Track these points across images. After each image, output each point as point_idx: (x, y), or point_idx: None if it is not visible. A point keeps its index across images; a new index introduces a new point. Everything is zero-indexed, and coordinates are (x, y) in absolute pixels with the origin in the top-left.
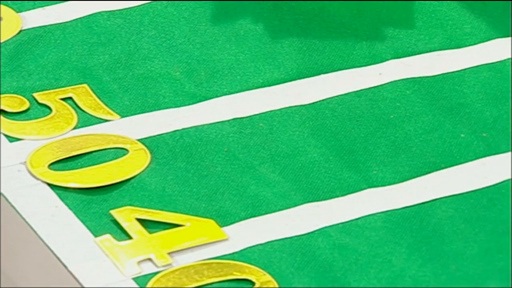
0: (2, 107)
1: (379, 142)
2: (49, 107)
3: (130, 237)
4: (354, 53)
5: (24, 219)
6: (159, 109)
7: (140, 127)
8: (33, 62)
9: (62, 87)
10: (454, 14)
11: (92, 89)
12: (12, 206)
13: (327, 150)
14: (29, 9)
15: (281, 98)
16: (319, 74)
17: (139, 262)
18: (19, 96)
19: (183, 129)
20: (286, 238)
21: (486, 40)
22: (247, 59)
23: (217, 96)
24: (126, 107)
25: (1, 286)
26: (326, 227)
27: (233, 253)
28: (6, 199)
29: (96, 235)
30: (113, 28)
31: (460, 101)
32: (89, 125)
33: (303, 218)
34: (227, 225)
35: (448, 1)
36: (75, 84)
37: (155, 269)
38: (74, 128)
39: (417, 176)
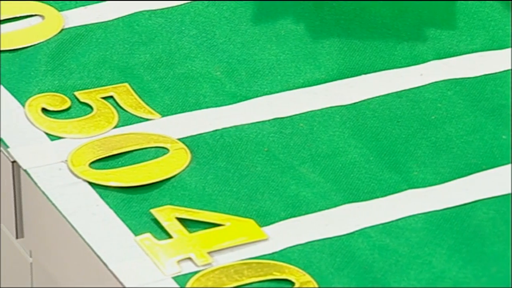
0: (44, 106)
1: (420, 143)
2: (90, 106)
3: (170, 236)
4: (395, 53)
5: (65, 217)
6: (200, 109)
7: (180, 127)
8: (74, 61)
9: (103, 86)
10: (496, 14)
11: (133, 88)
12: (53, 204)
13: (367, 151)
14: (71, 8)
15: (321, 98)
16: (360, 74)
17: (179, 261)
18: (60, 95)
19: (223, 128)
20: (326, 239)
21: None
22: (288, 59)
23: (257, 96)
24: (167, 106)
25: (42, 285)
26: (366, 227)
27: (273, 253)
28: (47, 197)
29: (136, 234)
30: (154, 27)
31: (502, 103)
32: (130, 124)
33: (343, 219)
34: (267, 225)
35: (491, 2)
36: (116, 83)
37: (195, 269)
38: (115, 127)
39: (458, 177)
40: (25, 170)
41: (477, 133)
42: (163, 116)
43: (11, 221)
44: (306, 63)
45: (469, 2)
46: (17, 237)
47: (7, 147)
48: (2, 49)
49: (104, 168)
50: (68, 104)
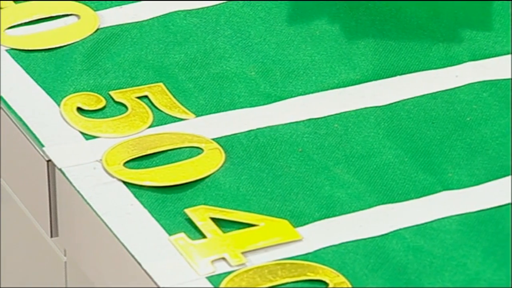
0: (79, 105)
1: (454, 145)
2: (125, 105)
3: (204, 236)
4: (430, 54)
5: (99, 216)
6: (234, 109)
7: (215, 127)
8: (109, 60)
9: (138, 85)
10: None
11: (167, 88)
12: (88, 203)
13: (402, 152)
14: (106, 8)
15: (356, 99)
16: (395, 75)
17: (213, 261)
18: (95, 94)
19: (258, 129)
20: (360, 240)
21: None
22: (323, 59)
23: (292, 96)
24: (201, 106)
25: (76, 285)
26: (400, 229)
27: (307, 254)
28: (82, 197)
29: (170, 233)
30: (189, 27)
31: None
32: (165, 123)
33: (377, 220)
34: (301, 225)
35: None
36: (151, 83)
37: (229, 269)
38: (150, 126)
39: (493, 179)
40: (60, 169)
41: None
42: (197, 116)
43: (45, 220)
44: (341, 63)
45: (506, 2)
46: (51, 236)
47: (42, 146)
48: (38, 48)
49: (139, 168)
50: (103, 103)
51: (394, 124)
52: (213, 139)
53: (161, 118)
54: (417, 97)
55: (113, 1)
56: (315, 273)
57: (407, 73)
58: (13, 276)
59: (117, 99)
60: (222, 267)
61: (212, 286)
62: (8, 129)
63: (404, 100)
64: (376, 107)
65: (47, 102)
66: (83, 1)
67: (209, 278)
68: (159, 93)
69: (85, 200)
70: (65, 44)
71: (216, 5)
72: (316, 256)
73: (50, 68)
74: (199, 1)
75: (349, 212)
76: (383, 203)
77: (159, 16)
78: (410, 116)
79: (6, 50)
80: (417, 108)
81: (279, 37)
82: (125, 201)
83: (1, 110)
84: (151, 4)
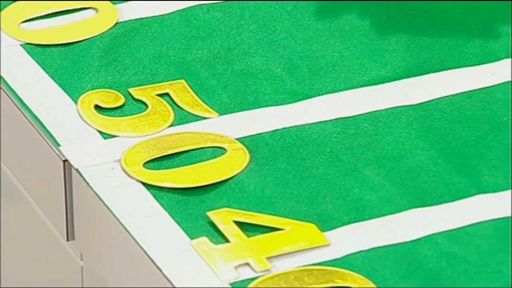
0: (97, 103)
1: (491, 146)
2: (145, 103)
3: (227, 240)
4: (465, 51)
5: (117, 219)
6: (259, 107)
7: (239, 126)
8: (129, 56)
9: (159, 82)
10: None
11: (189, 85)
12: (106, 205)
13: (435, 153)
14: (125, 1)
15: (387, 97)
16: (428, 73)
17: (237, 267)
18: (114, 91)
19: (284, 128)
20: (390, 245)
21: None
22: (352, 56)
23: (320, 95)
24: (225, 105)
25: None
26: (433, 234)
27: (335, 260)
28: (100, 198)
29: (192, 237)
30: (212, 21)
31: None
32: (186, 122)
33: (409, 224)
34: (329, 229)
35: None
36: (172, 80)
37: (253, 274)
38: (171, 125)
39: None
40: (76, 170)
41: None
42: (220, 114)
43: (61, 223)
44: (371, 60)
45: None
46: (67, 239)
47: (58, 145)
48: (54, 43)
49: (159, 169)
50: (122, 101)
51: (427, 124)
52: (237, 139)
53: (183, 117)
54: (451, 95)
55: None
56: (343, 280)
57: (441, 70)
58: (27, 281)
59: (136, 97)
60: (246, 273)
61: None
62: (23, 128)
63: (438, 98)
64: (408, 106)
65: (64, 99)
66: None
67: (233, 285)
68: (180, 90)
69: (103, 202)
70: (83, 38)
71: None
72: (345, 262)
73: (67, 64)
74: None
75: (379, 216)
76: (415, 207)
77: (181, 10)
78: (444, 115)
79: (21, 45)
80: (451, 107)
81: (306, 32)
82: (144, 203)
83: (16, 108)
84: None
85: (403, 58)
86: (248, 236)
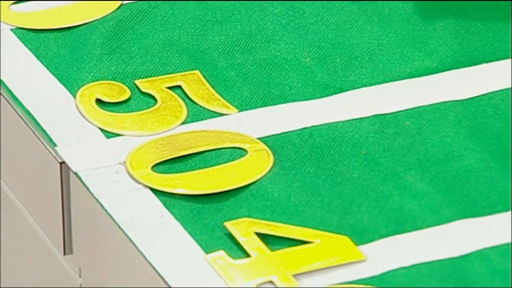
0: (99, 96)
1: None
2: (153, 97)
3: (247, 255)
4: None
5: (122, 230)
6: (285, 102)
7: (261, 123)
8: (135, 43)
9: (170, 73)
10: None
11: (205, 77)
12: (109, 214)
13: (487, 156)
14: None
15: (432, 91)
16: (480, 63)
17: (259, 285)
18: (118, 83)
19: (313, 126)
20: (436, 261)
21: None
22: (392, 43)
23: (354, 88)
24: (245, 99)
25: None
26: (484, 249)
27: (372, 277)
28: (102, 206)
29: (207, 251)
30: (231, 3)
31: None
32: (201, 119)
33: (456, 237)
34: (364, 243)
35: None
36: (185, 70)
37: None
38: (183, 123)
39: None
40: (75, 173)
41: None
42: (240, 110)
43: (58, 234)
44: (414, 48)
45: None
46: (64, 253)
47: (55, 145)
48: (49, 27)
49: (170, 172)
50: (127, 94)
51: (478, 122)
52: (259, 139)
53: (197, 113)
54: (507, 89)
55: None
56: None
57: (494, 60)
58: None
59: (144, 90)
60: None
61: None
62: (14, 125)
63: (491, 93)
64: (456, 101)
65: (61, 92)
66: None
67: None
68: (194, 83)
69: (106, 211)
70: (82, 22)
71: None
72: (383, 280)
73: (64, 52)
74: None
75: (423, 228)
76: (463, 217)
77: None
78: (498, 112)
79: (12, 30)
80: (505, 103)
81: (339, 16)
82: (153, 212)
83: (6, 102)
84: None
85: (451, 46)
86: (272, 250)
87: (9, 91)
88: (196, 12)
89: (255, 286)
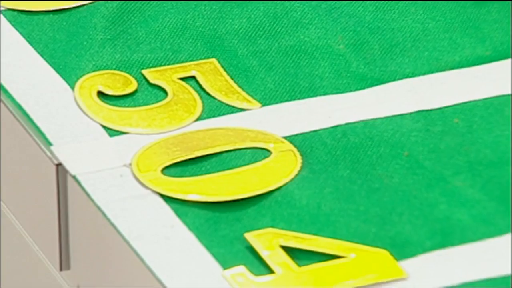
0: (101, 88)
1: None
2: (163, 90)
3: (271, 271)
4: None
5: (127, 242)
6: (315, 96)
7: (288, 120)
8: (143, 26)
9: (182, 62)
10: None
11: (222, 66)
12: (112, 224)
13: None
14: None
15: (485, 83)
16: None
17: None
18: (123, 73)
19: (347, 124)
20: (489, 279)
21: None
22: (439, 28)
23: (395, 79)
24: (269, 92)
25: None
26: None
27: None
28: (104, 215)
29: (225, 266)
30: None
31: None
32: (218, 115)
33: None
34: (406, 258)
35: None
36: (200, 59)
37: None
38: (198, 119)
39: None
40: (73, 177)
41: None
42: (264, 105)
43: (53, 247)
44: (464, 34)
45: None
46: (61, 269)
47: (50, 144)
48: (44, 9)
49: (182, 176)
50: (133, 86)
51: None
52: (285, 138)
53: (214, 108)
54: None
55: None
56: None
57: None
58: None
59: (152, 81)
60: None
61: None
62: (3, 122)
63: None
64: None
65: (57, 84)
66: None
67: None
68: (210, 73)
69: (108, 220)
70: (82, 4)
71: None
72: None
73: (61, 37)
74: None
75: (473, 241)
76: None
77: None
78: None
79: (1, 12)
80: None
81: None
82: (163, 222)
83: None
84: None
85: (507, 31)
86: (300, 266)
87: None
88: None
89: None
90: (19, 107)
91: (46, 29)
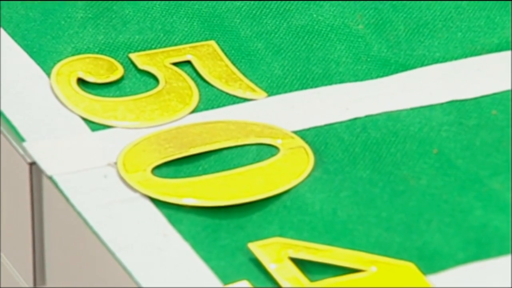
0: (81, 75)
1: None
2: (154, 76)
3: (279, 287)
4: None
5: (113, 254)
6: (330, 84)
7: (298, 112)
8: (130, 3)
9: (176, 44)
10: None
11: (222, 49)
12: (95, 233)
13: None
14: None
15: None
16: None
17: None
18: (107, 58)
19: (367, 116)
20: None
21: None
22: (474, 7)
23: (423, 65)
24: (277, 79)
25: None
26: None
27: None
28: (86, 222)
29: (225, 281)
30: None
31: None
32: (217, 106)
33: None
34: (435, 271)
35: None
36: (196, 41)
37: None
38: (194, 110)
39: None
40: (50, 178)
41: None
42: (270, 94)
43: (26, 260)
44: (504, 12)
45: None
46: (35, 285)
47: (23, 140)
48: None
49: (176, 177)
50: (119, 72)
51: None
52: (295, 132)
53: (212, 98)
54: None
55: None
56: None
57: None
58: None
59: (141, 66)
60: None
61: None
62: None
63: None
64: None
65: (31, 70)
66: None
67: None
68: (208, 57)
69: (91, 228)
70: None
71: None
72: None
73: (35, 16)
74: None
75: None
76: None
77: None
78: None
79: None
80: None
81: None
82: (154, 230)
83: None
84: None
85: None
86: (312, 281)
87: None
88: None
89: None
90: None
91: (17, 8)
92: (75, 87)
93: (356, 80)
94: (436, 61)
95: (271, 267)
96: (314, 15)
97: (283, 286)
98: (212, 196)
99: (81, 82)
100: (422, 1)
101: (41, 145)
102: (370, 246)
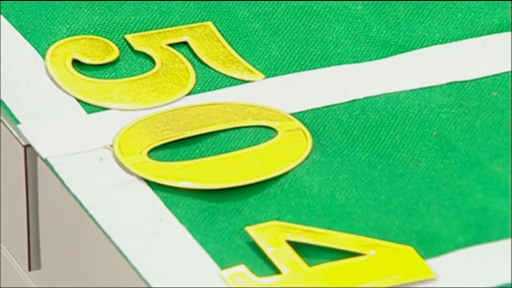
0: (76, 57)
1: None
2: (150, 58)
3: (277, 271)
4: None
5: (109, 237)
6: (328, 65)
7: (296, 94)
8: None
9: (172, 26)
10: None
11: (219, 30)
12: (91, 216)
13: None
14: None
15: None
16: None
17: None
18: (102, 39)
19: (366, 98)
20: None
21: None
22: None
23: (423, 46)
24: (275, 61)
25: None
26: None
27: None
28: (81, 205)
29: (223, 265)
30: None
31: None
32: (214, 88)
33: None
34: (435, 255)
35: None
36: (193, 22)
37: None
38: (190, 92)
39: None
40: (45, 160)
41: None
42: (268, 76)
43: (21, 244)
44: None
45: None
46: (29, 269)
47: (17, 123)
48: None
49: (173, 160)
50: (115, 54)
51: None
52: (293, 115)
53: (209, 79)
54: None
55: None
56: None
57: None
58: None
59: (137, 48)
60: None
61: None
62: None
63: None
64: None
65: (25, 51)
66: None
67: None
68: (205, 38)
69: (86, 211)
70: None
71: None
72: None
73: None
74: None
75: None
76: None
77: None
78: None
79: None
80: None
81: None
82: (150, 214)
83: None
84: None
85: None
86: (310, 265)
87: None
88: None
89: None
90: None
91: None
92: (70, 69)
93: (355, 62)
94: (436, 42)
95: (268, 251)
96: None
97: (281, 270)
98: (209, 179)
99: (77, 63)
100: None
101: (36, 127)
102: (369, 230)
